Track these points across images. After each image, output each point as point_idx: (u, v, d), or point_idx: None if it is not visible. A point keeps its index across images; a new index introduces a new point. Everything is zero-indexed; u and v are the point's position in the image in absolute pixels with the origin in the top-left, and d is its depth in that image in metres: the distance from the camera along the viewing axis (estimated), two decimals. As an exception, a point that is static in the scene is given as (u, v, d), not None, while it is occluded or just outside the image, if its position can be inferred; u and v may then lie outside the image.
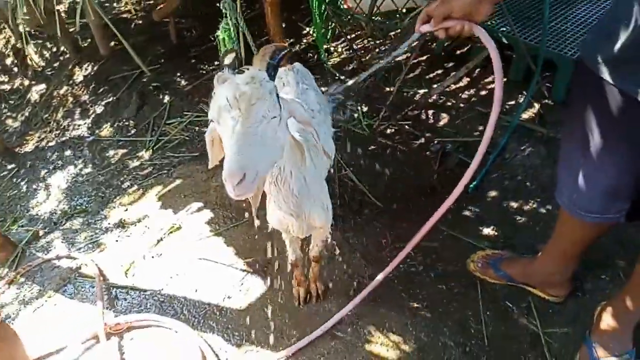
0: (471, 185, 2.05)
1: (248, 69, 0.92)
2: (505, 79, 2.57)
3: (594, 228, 1.40)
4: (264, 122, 0.87)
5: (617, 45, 1.03)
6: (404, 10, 2.07)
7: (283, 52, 1.00)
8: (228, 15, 1.76)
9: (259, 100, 0.86)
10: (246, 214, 2.04)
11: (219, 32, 1.76)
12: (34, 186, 2.61)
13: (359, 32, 2.94)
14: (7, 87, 3.87)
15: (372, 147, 2.31)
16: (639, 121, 1.09)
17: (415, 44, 1.20)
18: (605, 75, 1.08)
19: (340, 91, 1.34)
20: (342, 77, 2.73)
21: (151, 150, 2.51)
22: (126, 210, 2.21)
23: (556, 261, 1.58)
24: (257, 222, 1.16)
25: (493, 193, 2.05)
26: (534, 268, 1.65)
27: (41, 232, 2.24)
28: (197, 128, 2.61)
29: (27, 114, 3.47)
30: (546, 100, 2.40)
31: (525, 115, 2.36)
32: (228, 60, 1.01)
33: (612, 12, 1.09)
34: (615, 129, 1.15)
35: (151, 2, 3.92)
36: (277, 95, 0.92)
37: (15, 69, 4.01)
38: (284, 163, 1.10)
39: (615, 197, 1.26)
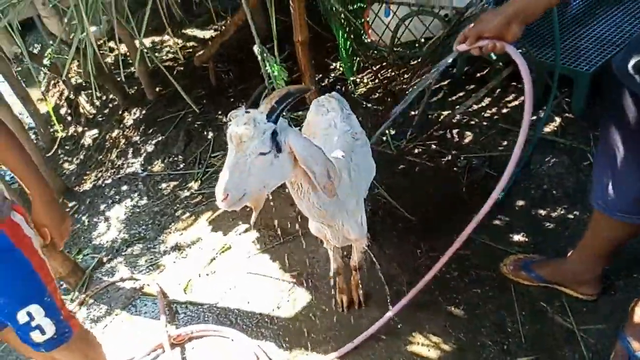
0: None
1: (250, 112, 1.10)
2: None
3: (626, 228, 1.50)
4: (252, 157, 1.06)
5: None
6: (422, 40, 2.26)
7: (296, 95, 1.14)
8: (264, 58, 1.96)
9: (249, 139, 1.05)
10: (252, 224, 2.22)
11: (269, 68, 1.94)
12: (95, 219, 2.87)
13: (383, 64, 3.16)
14: (62, 134, 4.26)
15: (402, 166, 2.47)
16: None
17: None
18: (635, 86, 1.20)
19: (400, 110, 1.49)
20: (369, 105, 2.93)
21: (199, 181, 2.75)
22: (181, 234, 2.43)
23: (587, 260, 1.67)
24: (253, 220, 1.36)
25: (521, 202, 2.15)
26: (565, 268, 1.74)
27: (105, 259, 2.48)
28: (238, 159, 2.84)
29: (82, 157, 3.81)
30: (566, 114, 2.52)
31: (547, 129, 2.48)
32: (262, 107, 1.18)
33: None
34: None
35: (190, 50, 4.29)
36: (276, 133, 1.09)
37: (69, 118, 4.42)
38: (301, 180, 1.25)
39: None
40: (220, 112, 3.25)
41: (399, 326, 1.77)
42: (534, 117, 2.58)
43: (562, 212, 2.07)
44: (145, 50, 2.86)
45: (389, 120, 1.59)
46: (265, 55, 1.76)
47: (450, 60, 1.37)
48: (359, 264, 1.77)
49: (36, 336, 1.25)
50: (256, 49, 1.82)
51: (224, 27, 3.60)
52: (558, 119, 2.49)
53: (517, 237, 2.01)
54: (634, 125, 1.27)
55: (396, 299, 1.86)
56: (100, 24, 3.98)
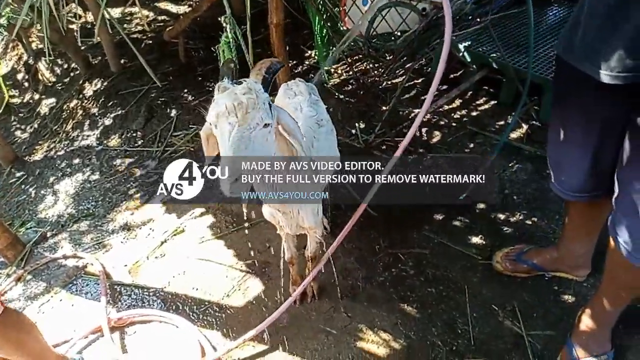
0: (461, 197, 2.16)
1: (245, 81, 1.03)
2: (495, 101, 2.73)
3: (588, 207, 1.55)
4: (257, 129, 0.99)
5: (579, 34, 1.19)
6: (398, 33, 2.23)
7: (278, 67, 1.11)
8: (227, 28, 1.88)
9: (253, 109, 0.97)
10: (245, 218, 2.14)
11: (220, 45, 1.88)
12: (43, 192, 2.71)
13: (359, 55, 3.11)
14: (17, 100, 4.02)
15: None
16: (606, 101, 1.22)
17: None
18: (574, 62, 1.23)
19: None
20: (341, 96, 2.88)
21: (157, 159, 2.63)
22: (132, 214, 2.31)
23: (576, 246, 1.72)
24: (245, 211, 1.27)
25: (481, 205, 2.15)
26: (559, 255, 1.77)
27: (49, 234, 2.33)
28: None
29: (36, 125, 3.61)
30: (534, 122, 2.54)
31: (514, 135, 2.49)
32: (227, 68, 1.13)
33: (578, 8, 1.24)
34: (587, 111, 1.29)
35: (161, 24, 4.11)
36: (270, 105, 1.03)
37: (26, 84, 4.17)
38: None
39: (600, 175, 1.39)
40: (186, 90, 3.12)
41: (350, 322, 1.73)
42: (502, 122, 2.60)
43: (520, 217, 2.08)
44: (109, 20, 2.71)
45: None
46: (232, 26, 1.66)
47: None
48: (313, 255, 1.71)
49: None
50: (224, 19, 1.71)
51: (197, 3, 3.46)
52: (525, 126, 2.51)
53: (475, 240, 2.01)
54: (573, 103, 1.32)
55: (351, 293, 1.83)
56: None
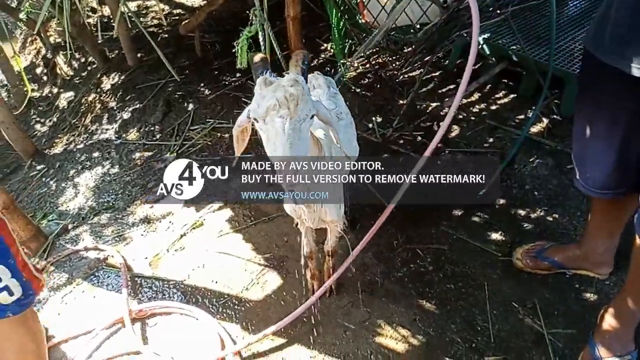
0: (480, 192, 2.13)
1: (288, 74, 1.04)
2: (515, 95, 2.69)
3: (614, 204, 1.53)
4: (306, 120, 1.00)
5: (609, 28, 1.17)
6: (418, 26, 2.20)
7: (309, 58, 1.13)
8: (257, 20, 1.85)
9: (302, 101, 0.98)
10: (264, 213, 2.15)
11: (241, 39, 1.86)
12: (63, 184, 2.75)
13: (376, 48, 3.08)
14: (36, 94, 4.07)
15: (385, 155, 2.42)
16: (633, 95, 1.20)
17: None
18: (602, 55, 1.21)
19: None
20: (358, 90, 2.86)
21: (175, 153, 2.64)
22: (151, 207, 2.34)
23: (599, 243, 1.70)
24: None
25: (501, 201, 2.13)
26: (581, 253, 1.74)
27: (70, 226, 2.37)
28: (219, 134, 2.75)
29: (55, 119, 3.65)
30: (554, 116, 2.50)
31: (534, 130, 2.45)
32: (258, 59, 1.13)
33: (607, 1, 1.21)
34: (614, 106, 1.27)
35: (177, 17, 4.12)
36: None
37: (45, 78, 4.22)
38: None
39: (625, 171, 1.37)
40: (203, 85, 3.13)
41: (368, 317, 1.73)
42: (522, 116, 2.56)
43: (541, 213, 2.06)
44: (128, 13, 2.72)
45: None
46: (261, 19, 1.64)
47: None
48: (333, 250, 1.71)
49: (4, 298, 1.19)
50: (253, 11, 1.69)
51: (213, -4, 3.46)
52: (545, 120, 2.47)
53: (494, 236, 1.99)
54: (600, 97, 1.30)
55: (369, 289, 1.83)
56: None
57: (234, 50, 2.09)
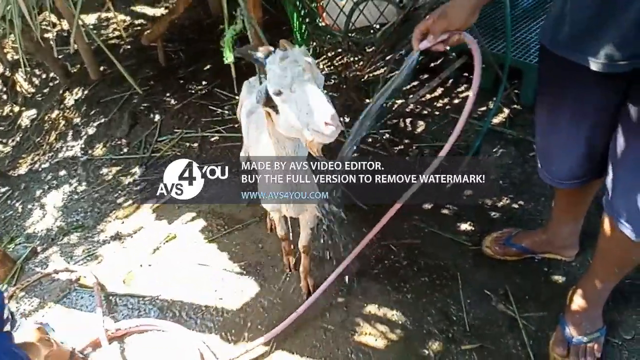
0: (447, 185, 2.17)
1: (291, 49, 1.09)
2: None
3: (580, 190, 1.56)
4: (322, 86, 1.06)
5: (566, 27, 1.18)
6: (377, 26, 2.23)
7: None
8: (243, 19, 1.83)
9: (317, 69, 1.06)
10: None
11: (227, 37, 1.84)
12: (30, 206, 2.68)
13: (338, 50, 3.10)
14: (-5, 114, 3.95)
15: (355, 154, 2.44)
16: (598, 89, 1.22)
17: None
18: (562, 52, 1.22)
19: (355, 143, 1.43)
20: (324, 91, 2.87)
21: (144, 166, 2.61)
22: (122, 223, 2.30)
23: (565, 227, 1.75)
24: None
25: (468, 192, 2.18)
26: (548, 237, 1.80)
27: (39, 249, 2.31)
28: (187, 144, 2.72)
29: (18, 138, 3.55)
30: (515, 106, 2.57)
31: (496, 120, 2.52)
32: (265, 50, 1.15)
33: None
34: (578, 100, 1.29)
35: (139, 28, 4.07)
36: None
37: (5, 97, 4.10)
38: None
39: (591, 162, 1.41)
40: (168, 94, 3.09)
41: (347, 316, 1.75)
42: (484, 108, 2.62)
43: (507, 201, 2.12)
44: (83, 27, 2.67)
45: (350, 143, 1.45)
46: (248, 20, 1.63)
47: (409, 67, 1.27)
48: (307, 244, 1.72)
49: None
50: (239, 11, 1.68)
51: (173, 5, 3.43)
52: (507, 110, 2.54)
53: (464, 226, 2.04)
54: (563, 92, 1.31)
55: (347, 288, 1.84)
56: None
57: (223, 48, 2.03)
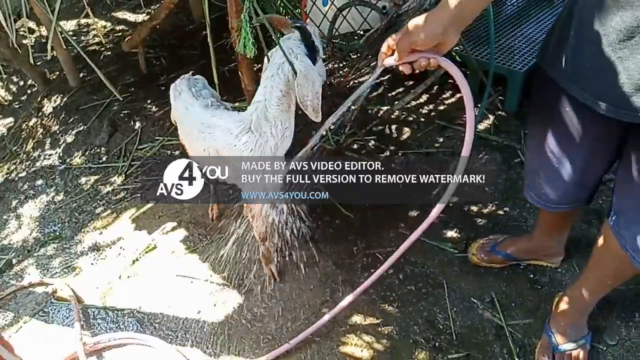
0: (434, 192, 2.16)
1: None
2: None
3: (567, 215, 1.56)
4: None
5: (568, 54, 1.09)
6: (361, 32, 2.22)
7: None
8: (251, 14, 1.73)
9: None
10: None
11: (243, 29, 1.71)
12: (5, 216, 2.59)
13: (323, 56, 3.09)
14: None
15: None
16: (598, 121, 1.13)
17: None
18: (561, 81, 1.14)
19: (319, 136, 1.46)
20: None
21: (124, 175, 2.55)
22: (100, 233, 2.24)
23: (552, 235, 1.74)
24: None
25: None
26: (533, 244, 1.79)
27: (14, 261, 2.23)
28: (168, 152, 2.67)
29: (-6, 147, 3.45)
30: (499, 112, 2.58)
31: (481, 127, 2.52)
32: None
33: (563, 20, 1.12)
34: (576, 129, 1.23)
35: (119, 34, 4.00)
36: None
37: (-19, 104, 3.99)
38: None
39: (582, 190, 1.40)
40: (149, 101, 3.03)
41: (332, 327, 1.72)
42: (469, 114, 2.62)
43: (493, 208, 2.11)
44: (62, 33, 2.61)
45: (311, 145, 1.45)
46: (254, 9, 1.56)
47: (375, 78, 1.21)
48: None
49: None
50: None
51: (155, 11, 3.38)
52: (491, 117, 2.54)
53: (450, 233, 2.02)
54: (561, 120, 1.25)
55: (331, 299, 1.81)
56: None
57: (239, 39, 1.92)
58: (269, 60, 1.49)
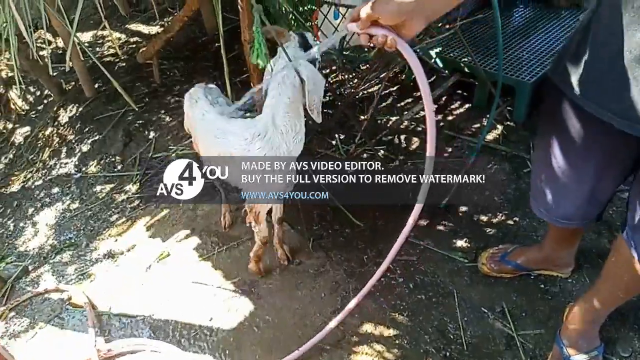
0: (443, 203, 2.18)
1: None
2: (469, 105, 2.78)
3: (576, 229, 1.56)
4: None
5: (582, 70, 1.09)
6: (371, 45, 2.26)
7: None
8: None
9: None
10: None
11: (256, 36, 1.74)
12: (22, 224, 2.65)
13: (332, 67, 3.13)
14: (-12, 131, 3.92)
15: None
16: (609, 136, 1.14)
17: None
18: (574, 97, 1.14)
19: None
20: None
21: (138, 183, 2.60)
22: (115, 241, 2.28)
23: (562, 246, 1.74)
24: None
25: (464, 208, 2.18)
26: (544, 255, 1.78)
27: (30, 267, 2.28)
28: (182, 161, 2.72)
29: (11, 156, 3.52)
30: (508, 122, 2.59)
31: (489, 137, 2.54)
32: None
33: (580, 35, 1.12)
34: (586, 144, 1.23)
35: (134, 45, 4.08)
36: None
37: (-1, 114, 4.08)
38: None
39: (592, 206, 1.40)
40: (163, 112, 3.10)
41: (343, 336, 1.73)
42: (477, 125, 2.65)
43: (502, 217, 2.12)
44: (79, 44, 2.67)
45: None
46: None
47: (337, 39, 1.25)
48: (282, 217, 1.91)
49: None
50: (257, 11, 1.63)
51: (169, 23, 3.45)
52: (500, 127, 2.56)
53: (460, 243, 2.03)
54: (572, 134, 1.25)
55: (342, 306, 1.82)
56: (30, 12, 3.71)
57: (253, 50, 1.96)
58: (271, 68, 1.54)
